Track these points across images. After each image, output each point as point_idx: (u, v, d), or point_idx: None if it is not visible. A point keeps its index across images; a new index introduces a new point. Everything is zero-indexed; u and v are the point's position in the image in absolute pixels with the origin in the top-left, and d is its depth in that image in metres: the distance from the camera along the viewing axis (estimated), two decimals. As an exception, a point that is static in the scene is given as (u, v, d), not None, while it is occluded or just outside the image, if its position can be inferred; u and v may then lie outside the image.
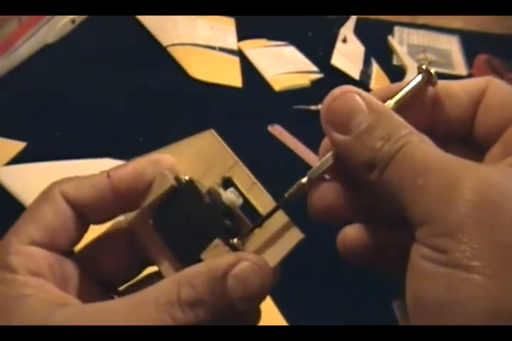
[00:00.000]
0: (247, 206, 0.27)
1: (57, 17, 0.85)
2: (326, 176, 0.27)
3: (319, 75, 0.86)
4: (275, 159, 0.69)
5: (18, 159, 0.64)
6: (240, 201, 0.26)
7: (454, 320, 0.20)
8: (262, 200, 0.27)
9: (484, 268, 0.20)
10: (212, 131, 0.28)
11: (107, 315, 0.22)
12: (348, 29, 0.97)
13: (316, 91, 0.83)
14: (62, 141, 0.68)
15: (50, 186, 0.28)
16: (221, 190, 0.26)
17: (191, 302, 0.22)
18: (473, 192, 0.20)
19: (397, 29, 1.02)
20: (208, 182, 0.27)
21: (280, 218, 0.26)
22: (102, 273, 0.28)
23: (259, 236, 0.26)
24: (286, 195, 0.26)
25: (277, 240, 0.26)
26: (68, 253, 0.27)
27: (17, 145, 0.65)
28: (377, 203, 0.26)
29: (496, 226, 0.20)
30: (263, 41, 0.93)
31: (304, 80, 0.84)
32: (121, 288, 0.29)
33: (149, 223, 0.27)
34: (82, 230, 0.28)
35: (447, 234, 0.20)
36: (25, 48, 0.80)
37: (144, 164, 0.27)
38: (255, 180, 0.27)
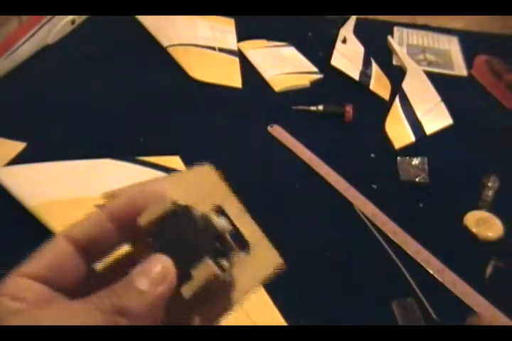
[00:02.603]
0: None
1: (57, 17, 0.85)
2: None
3: (319, 76, 0.86)
4: (274, 159, 0.69)
5: (18, 159, 0.64)
6: (229, 227, 0.28)
7: None
8: (250, 228, 0.29)
9: None
10: (210, 166, 0.30)
11: (56, 319, 0.25)
12: (347, 29, 0.97)
13: (316, 91, 0.83)
14: (62, 141, 0.68)
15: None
16: (213, 216, 0.28)
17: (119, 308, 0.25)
18: None
19: (396, 29, 1.02)
20: (201, 208, 0.28)
21: (266, 246, 0.29)
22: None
23: (245, 260, 0.28)
24: None
25: (260, 266, 0.28)
26: (74, 290, 0.28)
27: (17, 146, 0.65)
28: None
29: None
30: (263, 42, 0.93)
31: (303, 81, 0.84)
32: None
33: (145, 241, 0.28)
34: (88, 268, 0.29)
35: None
36: (26, 48, 0.80)
37: (136, 194, 0.28)
38: (245, 211, 0.29)
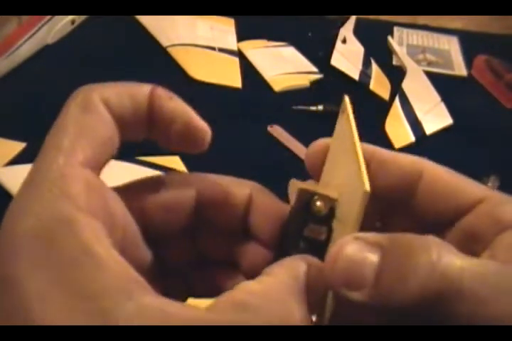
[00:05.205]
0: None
1: (57, 17, 0.85)
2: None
3: (319, 76, 0.86)
4: (274, 159, 0.69)
5: (18, 159, 0.64)
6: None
7: None
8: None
9: None
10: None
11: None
12: (347, 29, 0.97)
13: (316, 91, 0.83)
14: (62, 141, 0.68)
15: (84, 92, 0.22)
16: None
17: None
18: None
19: (396, 29, 1.02)
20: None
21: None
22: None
23: None
24: None
25: None
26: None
27: (17, 146, 0.65)
28: None
29: None
30: (263, 42, 0.93)
31: (303, 81, 0.84)
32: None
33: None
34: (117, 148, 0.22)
35: None
36: (25, 48, 0.80)
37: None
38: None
